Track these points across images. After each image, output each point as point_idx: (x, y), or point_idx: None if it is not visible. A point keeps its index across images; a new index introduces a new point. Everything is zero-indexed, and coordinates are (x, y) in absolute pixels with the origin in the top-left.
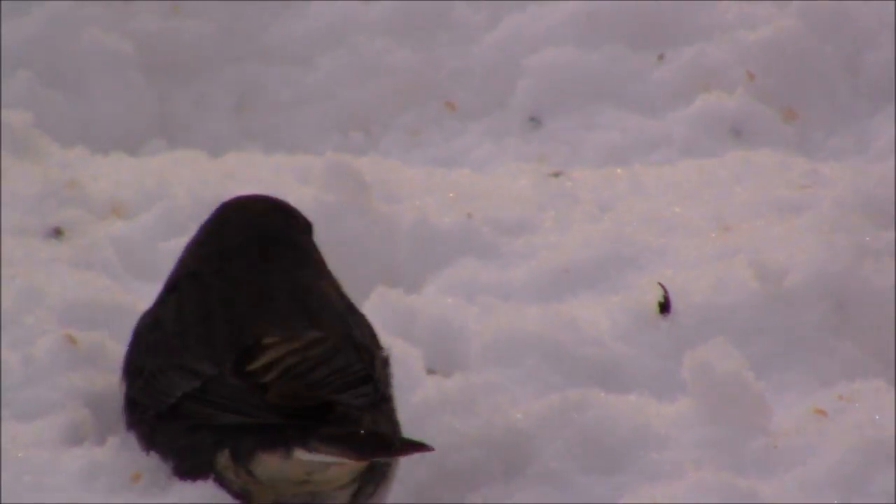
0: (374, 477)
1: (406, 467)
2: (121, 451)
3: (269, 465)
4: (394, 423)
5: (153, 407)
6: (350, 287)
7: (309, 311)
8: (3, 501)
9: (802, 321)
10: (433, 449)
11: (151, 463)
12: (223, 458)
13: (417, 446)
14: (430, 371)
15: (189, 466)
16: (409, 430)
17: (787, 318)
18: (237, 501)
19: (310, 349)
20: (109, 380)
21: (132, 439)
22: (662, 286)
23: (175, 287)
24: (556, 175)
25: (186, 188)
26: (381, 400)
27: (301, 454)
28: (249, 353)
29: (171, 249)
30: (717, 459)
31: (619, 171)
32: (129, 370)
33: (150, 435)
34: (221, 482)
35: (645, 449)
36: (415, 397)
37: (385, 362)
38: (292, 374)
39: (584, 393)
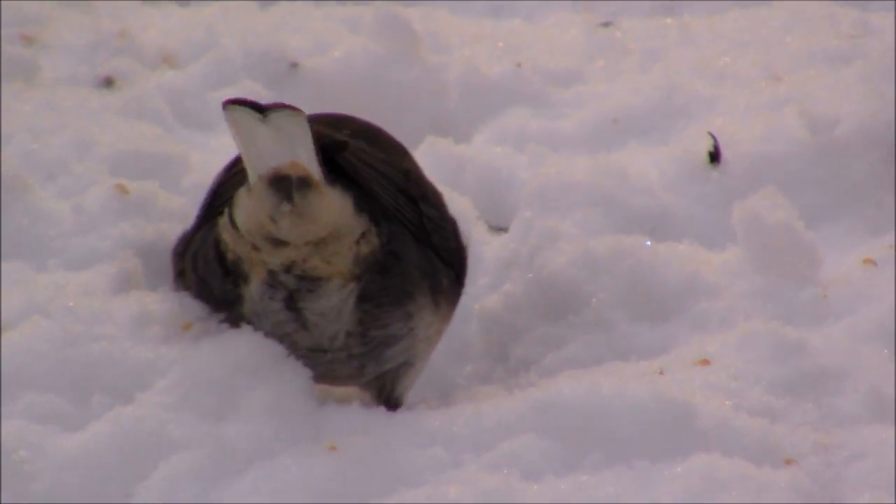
0: (375, 284)
1: (455, 321)
2: (172, 301)
3: (240, 203)
4: (433, 275)
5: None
6: (400, 137)
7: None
8: (55, 351)
9: (852, 171)
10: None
11: (202, 312)
12: (223, 221)
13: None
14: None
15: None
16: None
17: (837, 168)
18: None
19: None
20: (160, 229)
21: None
22: (712, 136)
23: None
24: (606, 25)
25: (236, 38)
26: (423, 240)
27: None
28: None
29: (221, 99)
30: (767, 309)
31: (668, 20)
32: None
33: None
34: (225, 256)
35: (694, 298)
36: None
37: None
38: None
39: (633, 242)
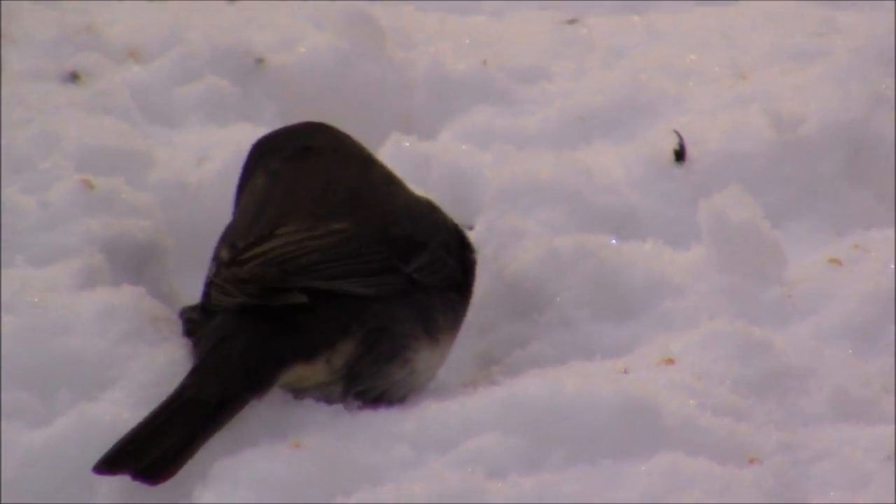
0: (363, 370)
1: None
2: (136, 296)
3: None
4: (427, 317)
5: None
6: (365, 134)
7: (352, 205)
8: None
9: (817, 170)
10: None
11: (166, 308)
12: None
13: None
14: None
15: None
16: None
17: (803, 166)
18: None
19: (321, 238)
20: (125, 225)
21: (148, 284)
22: (678, 134)
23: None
24: (572, 22)
25: (202, 33)
26: (414, 289)
27: None
28: (258, 241)
29: (187, 95)
30: (732, 308)
31: (634, 17)
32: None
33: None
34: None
35: (659, 297)
36: None
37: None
38: (273, 258)
39: (598, 240)
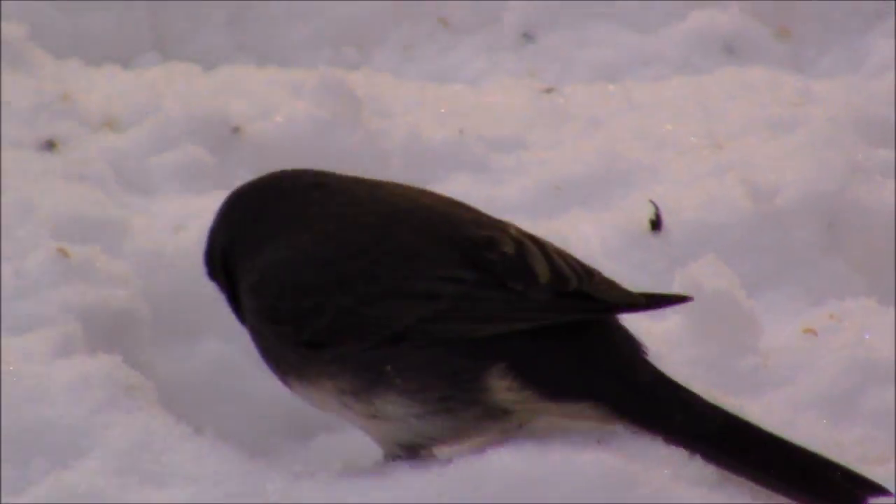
0: None
1: None
2: (111, 365)
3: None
4: None
5: (355, 343)
6: None
7: (475, 212)
8: None
9: (793, 240)
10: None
11: (141, 377)
12: (496, 373)
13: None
14: None
15: (445, 387)
16: None
17: (778, 236)
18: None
19: (533, 242)
20: (101, 294)
21: (124, 352)
22: (654, 203)
23: (292, 226)
24: (549, 91)
25: (179, 102)
26: None
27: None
28: (488, 254)
29: (163, 163)
30: (707, 377)
31: (611, 87)
32: (287, 313)
33: (379, 362)
34: (463, 392)
35: None
36: None
37: None
38: (560, 265)
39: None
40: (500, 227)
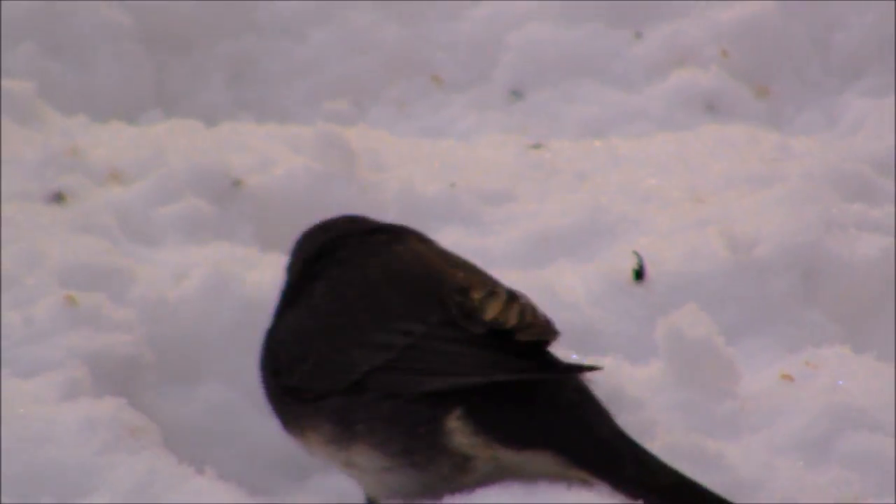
0: None
1: None
2: (117, 408)
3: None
4: None
5: (323, 389)
6: None
7: (472, 269)
8: (4, 456)
9: (771, 290)
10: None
11: (146, 419)
12: (452, 420)
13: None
14: None
15: (406, 440)
16: None
17: (756, 286)
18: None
19: (516, 300)
20: (107, 339)
21: (129, 396)
22: (637, 254)
23: (308, 277)
24: (537, 146)
25: (182, 156)
26: None
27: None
28: (463, 306)
29: (166, 215)
30: (687, 421)
31: (596, 143)
32: (283, 362)
33: (344, 412)
34: (424, 444)
35: (619, 411)
36: None
37: None
38: (530, 319)
39: (560, 355)
40: (481, 282)
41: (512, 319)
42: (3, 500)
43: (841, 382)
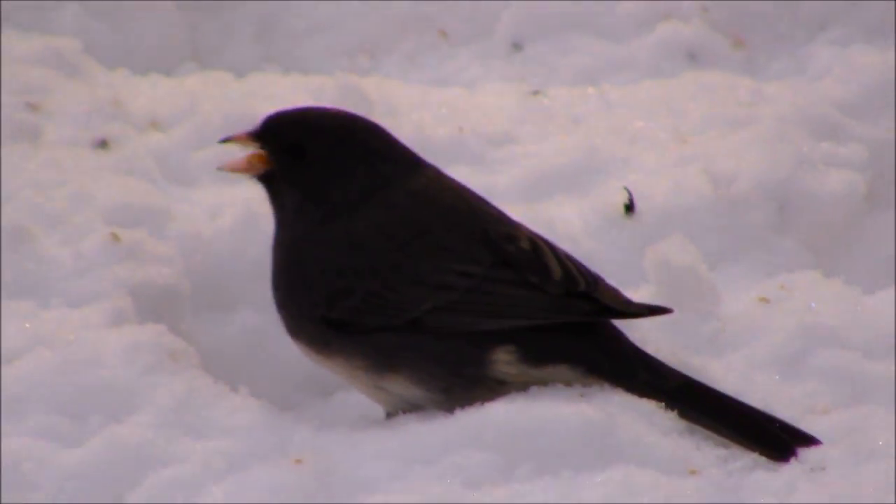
0: None
1: None
2: (158, 333)
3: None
4: None
5: (375, 324)
6: None
7: (498, 211)
8: (57, 378)
9: (748, 221)
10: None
11: (184, 344)
12: (502, 354)
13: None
14: None
15: (448, 377)
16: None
17: (735, 218)
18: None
19: (544, 244)
20: (148, 272)
21: (169, 323)
22: (627, 190)
23: (353, 208)
24: (535, 94)
25: (214, 105)
26: None
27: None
28: (504, 250)
29: (201, 158)
30: (675, 340)
31: (590, 90)
32: (321, 294)
33: (391, 348)
34: (465, 378)
35: None
36: None
37: None
38: (570, 267)
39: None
40: (516, 225)
41: (577, 277)
42: (55, 418)
43: (813, 304)
